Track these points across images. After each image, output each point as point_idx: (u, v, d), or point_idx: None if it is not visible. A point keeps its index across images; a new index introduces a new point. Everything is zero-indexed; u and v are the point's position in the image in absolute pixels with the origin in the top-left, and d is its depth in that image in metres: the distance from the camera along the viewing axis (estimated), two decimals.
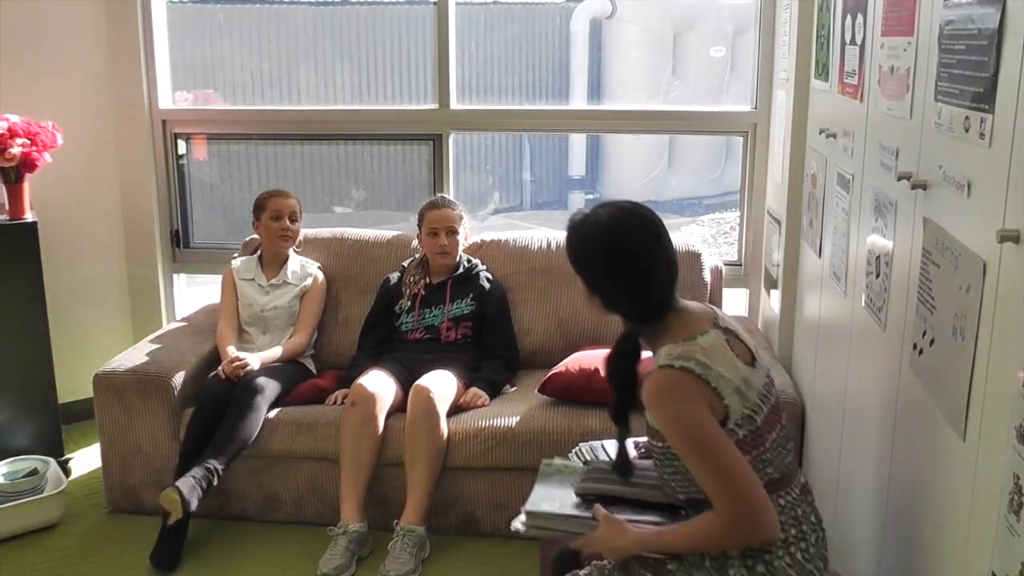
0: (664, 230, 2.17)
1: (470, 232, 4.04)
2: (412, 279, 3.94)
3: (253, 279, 3.99)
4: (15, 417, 3.93)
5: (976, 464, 1.72)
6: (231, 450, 3.46)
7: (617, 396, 2.20)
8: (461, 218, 3.93)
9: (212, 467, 3.38)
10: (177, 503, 3.26)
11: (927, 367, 2.01)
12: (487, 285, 3.94)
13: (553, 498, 2.33)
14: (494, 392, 3.71)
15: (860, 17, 2.68)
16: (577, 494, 2.31)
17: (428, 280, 3.91)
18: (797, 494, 2.10)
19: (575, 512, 2.27)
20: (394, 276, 4.01)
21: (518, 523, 2.30)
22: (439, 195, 4.07)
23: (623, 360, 2.19)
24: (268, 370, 3.69)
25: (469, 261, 3.98)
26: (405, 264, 4.03)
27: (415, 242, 4.03)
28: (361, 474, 3.43)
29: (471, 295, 3.88)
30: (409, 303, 3.87)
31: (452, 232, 3.87)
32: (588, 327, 3.97)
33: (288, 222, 3.97)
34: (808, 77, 3.45)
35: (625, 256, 2.13)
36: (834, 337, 2.97)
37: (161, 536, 3.42)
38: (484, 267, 4.01)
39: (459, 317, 3.85)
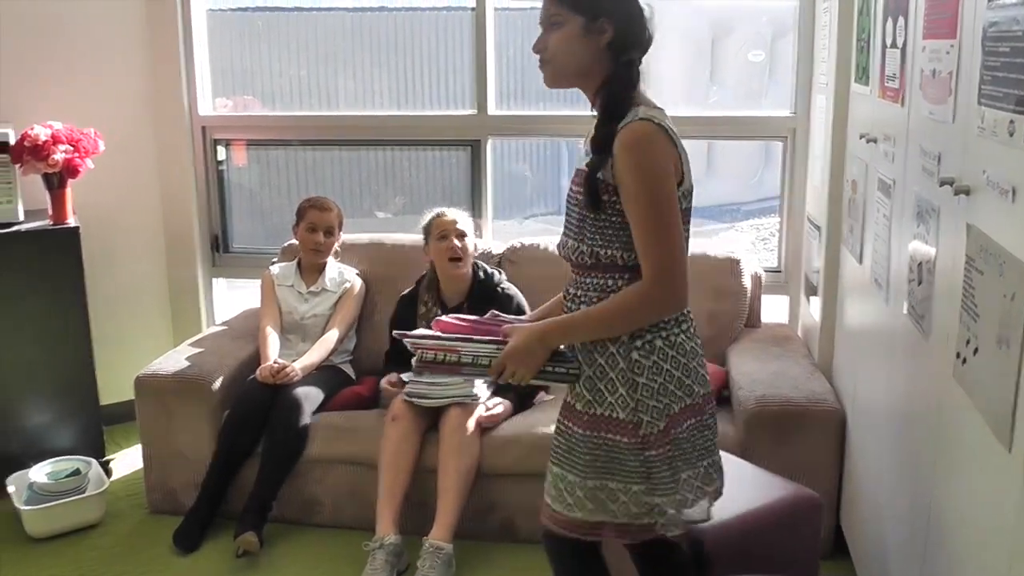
0: None
1: (478, 243, 3.91)
2: (425, 306, 3.78)
3: (292, 286, 4.00)
4: (58, 418, 3.99)
5: (1023, 476, 1.69)
6: (282, 478, 3.58)
7: (604, 127, 2.18)
8: (471, 225, 3.83)
9: (269, 504, 3.53)
10: (255, 543, 3.40)
11: (971, 376, 1.98)
12: (509, 296, 3.74)
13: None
14: (522, 402, 3.68)
15: (901, 20, 2.65)
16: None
17: (442, 305, 3.74)
18: None
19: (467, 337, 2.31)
20: (403, 308, 3.86)
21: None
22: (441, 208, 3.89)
23: (620, 85, 2.18)
24: (308, 378, 3.71)
25: (485, 272, 3.82)
26: (417, 283, 3.88)
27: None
28: (398, 488, 3.43)
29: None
30: None
31: (462, 235, 3.74)
32: None
33: (322, 236, 3.97)
34: (848, 81, 3.42)
35: None
36: (875, 345, 2.94)
37: (188, 517, 3.56)
38: (503, 274, 3.89)
39: None
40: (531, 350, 2.19)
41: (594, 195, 2.15)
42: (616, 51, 2.17)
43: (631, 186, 2.08)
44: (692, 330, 2.25)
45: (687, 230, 2.18)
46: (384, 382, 3.67)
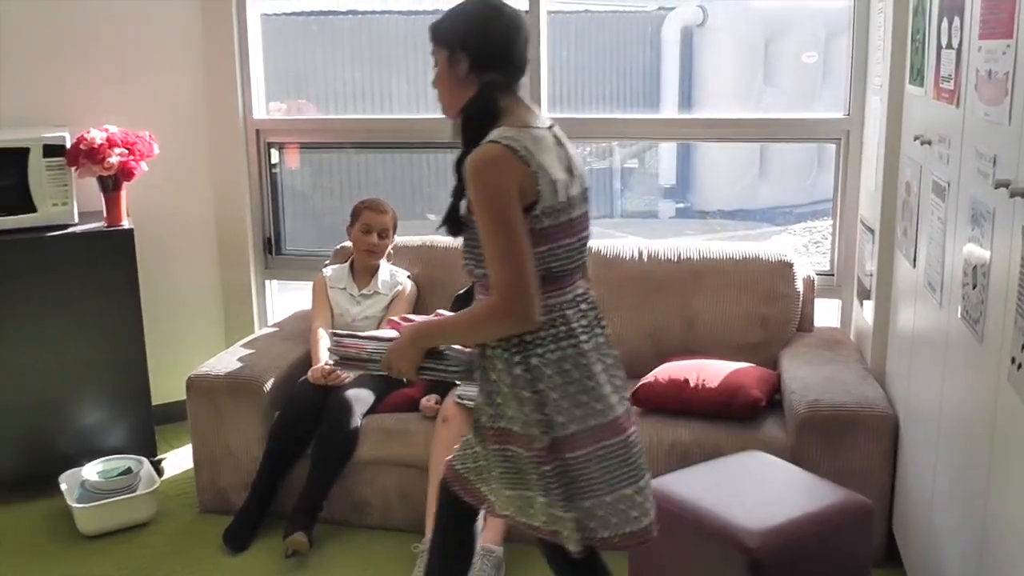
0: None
1: None
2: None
3: (344, 288, 4.02)
4: (111, 417, 4.05)
5: None
6: (332, 479, 3.59)
7: (464, 147, 2.25)
8: None
9: (319, 505, 3.56)
10: (305, 544, 3.43)
11: None
12: None
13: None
14: None
15: (956, 20, 2.61)
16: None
17: None
18: (570, 298, 2.25)
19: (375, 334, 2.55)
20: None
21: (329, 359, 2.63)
22: None
23: (480, 114, 2.25)
24: (359, 380, 3.72)
25: None
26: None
27: None
28: None
29: None
30: None
31: None
32: (678, 337, 3.92)
33: (376, 238, 3.99)
34: (903, 82, 3.37)
35: (499, 16, 2.31)
36: (929, 349, 2.89)
37: (238, 517, 3.59)
38: None
39: None
40: (404, 348, 2.33)
41: (453, 220, 2.27)
42: (478, 78, 2.26)
43: (475, 207, 2.15)
44: (580, 348, 2.22)
45: (568, 241, 2.23)
46: (424, 401, 3.69)
